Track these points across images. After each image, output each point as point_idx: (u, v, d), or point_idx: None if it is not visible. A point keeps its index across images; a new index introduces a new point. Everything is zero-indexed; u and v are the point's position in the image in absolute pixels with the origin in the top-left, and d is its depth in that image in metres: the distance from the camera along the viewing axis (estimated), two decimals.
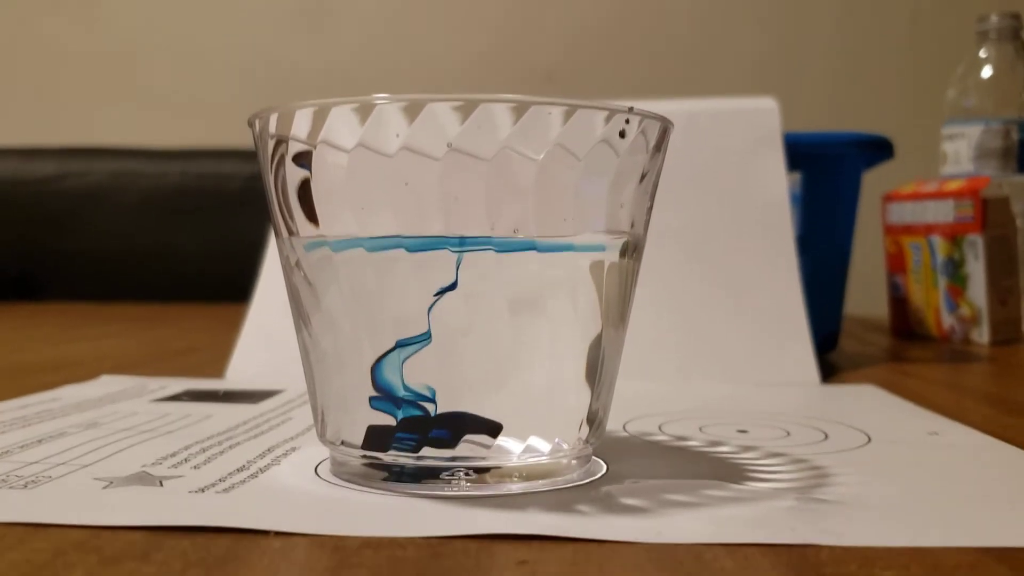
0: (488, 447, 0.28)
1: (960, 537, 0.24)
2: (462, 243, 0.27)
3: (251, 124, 0.29)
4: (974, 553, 0.23)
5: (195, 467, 0.31)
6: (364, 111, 0.26)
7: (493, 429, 0.28)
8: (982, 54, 0.86)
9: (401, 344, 0.27)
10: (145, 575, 0.21)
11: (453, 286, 0.27)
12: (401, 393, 0.27)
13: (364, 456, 0.29)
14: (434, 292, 0.27)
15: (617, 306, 0.30)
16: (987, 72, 0.86)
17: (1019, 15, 0.86)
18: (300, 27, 1.63)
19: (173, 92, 1.64)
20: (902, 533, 0.24)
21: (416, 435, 0.28)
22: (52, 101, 1.65)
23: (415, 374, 0.27)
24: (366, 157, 0.27)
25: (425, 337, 0.27)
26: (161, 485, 0.29)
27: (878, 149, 0.67)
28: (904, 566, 0.22)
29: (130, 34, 1.65)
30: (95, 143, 1.51)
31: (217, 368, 0.55)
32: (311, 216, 0.28)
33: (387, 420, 0.28)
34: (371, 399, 0.28)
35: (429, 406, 0.27)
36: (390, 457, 0.28)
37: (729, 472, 0.31)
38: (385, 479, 0.29)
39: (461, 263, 0.27)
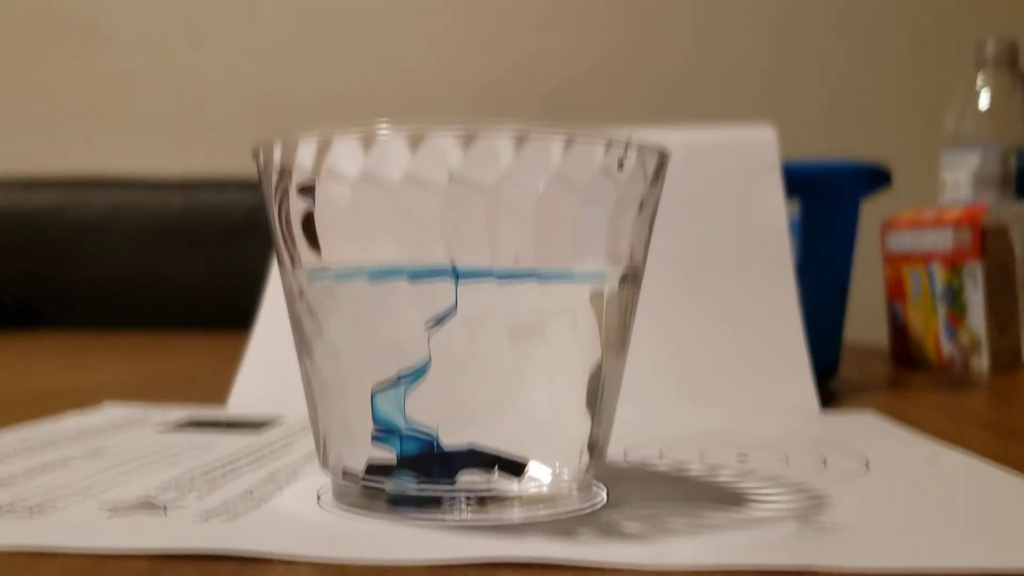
0: (489, 474, 0.28)
1: (957, 561, 0.24)
2: (462, 272, 0.27)
3: (255, 155, 0.30)
4: None
5: (199, 495, 0.31)
6: (367, 142, 0.27)
7: (506, 465, 0.28)
8: (979, 82, 0.87)
9: (403, 377, 0.27)
10: None
11: (452, 311, 0.27)
12: (404, 427, 0.28)
13: (366, 484, 0.29)
14: (435, 319, 0.27)
15: (617, 334, 0.30)
16: (985, 99, 0.86)
17: (1015, 42, 0.86)
18: (302, 57, 1.64)
19: (175, 121, 1.65)
20: (900, 557, 0.25)
21: (418, 473, 0.28)
22: (54, 131, 1.66)
23: (416, 403, 0.28)
24: (369, 187, 0.27)
25: (425, 365, 0.27)
26: (165, 512, 0.29)
27: (877, 177, 0.68)
28: None
29: (132, 64, 1.66)
30: (97, 173, 1.52)
31: (219, 396, 0.55)
32: (314, 245, 0.28)
33: (388, 454, 0.28)
34: (372, 436, 0.28)
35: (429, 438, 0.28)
36: (392, 485, 0.28)
37: (729, 498, 0.31)
38: (387, 507, 0.29)
39: (461, 292, 0.27)
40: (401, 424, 0.28)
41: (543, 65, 1.61)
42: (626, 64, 1.61)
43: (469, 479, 0.28)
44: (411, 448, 0.28)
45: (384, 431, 0.28)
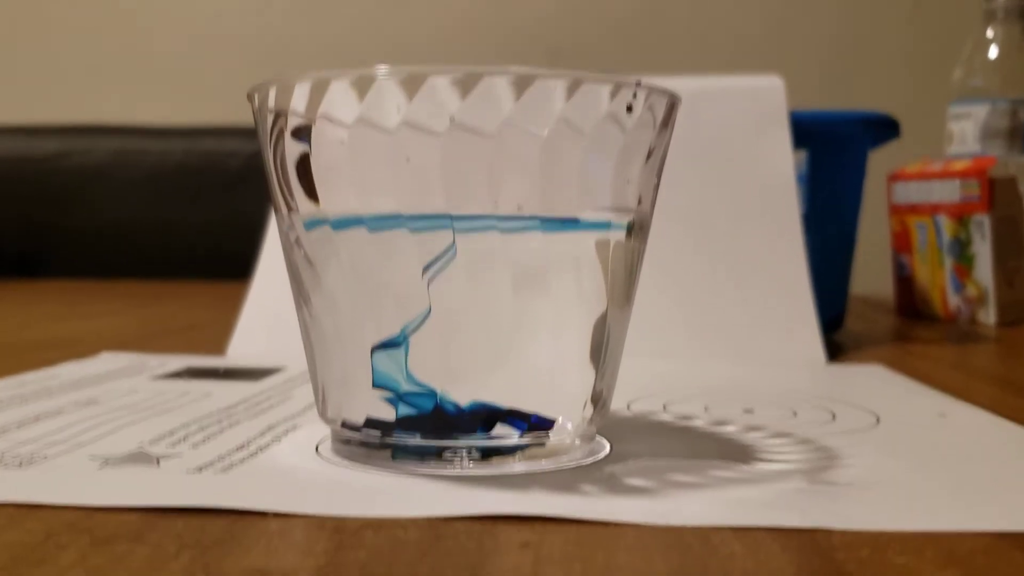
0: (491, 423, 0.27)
1: (975, 521, 0.24)
2: (464, 221, 0.26)
3: (250, 98, 0.29)
4: (989, 538, 0.23)
5: (193, 446, 0.31)
6: (364, 84, 0.26)
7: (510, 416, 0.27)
8: (989, 33, 0.85)
9: (403, 333, 0.27)
10: (138, 556, 0.21)
11: (451, 253, 0.26)
12: (404, 387, 0.27)
13: (365, 436, 0.28)
14: (433, 263, 0.26)
15: (622, 285, 0.29)
16: (994, 52, 0.85)
17: None
18: (303, 3, 1.62)
19: (176, 69, 1.63)
20: (915, 517, 0.24)
21: (417, 431, 0.27)
22: (54, 79, 1.65)
23: (417, 355, 0.27)
24: (366, 132, 0.26)
25: (426, 315, 0.27)
26: (158, 464, 0.28)
27: (884, 128, 0.67)
28: (917, 551, 0.22)
29: (132, 11, 1.64)
30: (97, 121, 1.50)
31: (218, 345, 0.54)
32: (311, 192, 0.28)
33: (387, 413, 0.28)
34: (373, 388, 0.28)
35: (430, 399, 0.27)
36: (392, 438, 0.28)
37: (736, 452, 0.31)
38: (387, 458, 0.28)
39: (463, 241, 0.26)
40: (402, 385, 0.27)
41: (548, 16, 1.59)
42: (629, 12, 1.59)
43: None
44: (411, 408, 0.27)
45: (384, 390, 0.27)
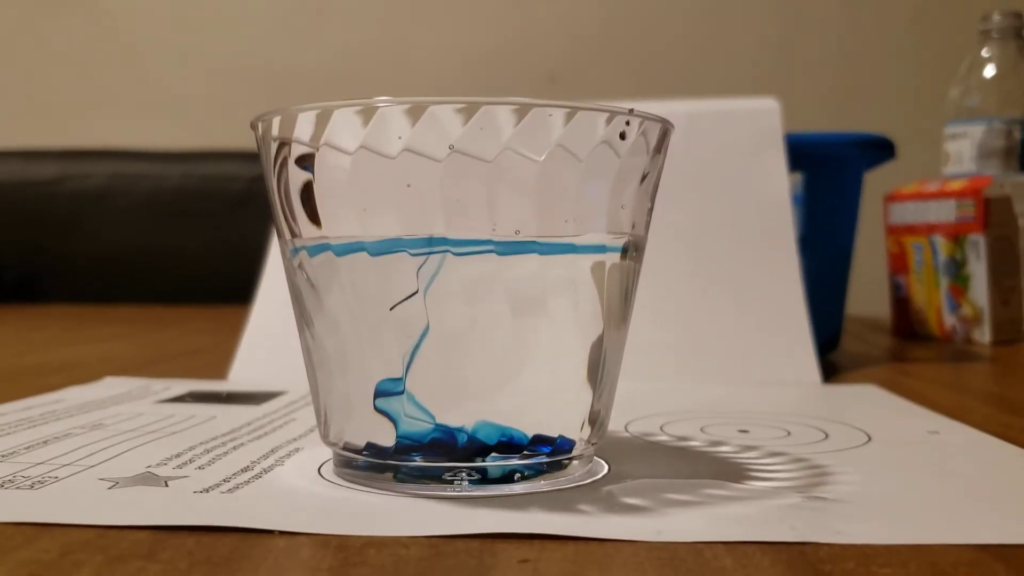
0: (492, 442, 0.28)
1: (958, 535, 0.24)
2: (463, 245, 0.27)
3: (254, 127, 0.29)
4: (972, 551, 0.23)
5: (199, 468, 0.31)
6: (366, 114, 0.27)
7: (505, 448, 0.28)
8: (984, 53, 0.86)
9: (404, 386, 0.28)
10: (151, 574, 0.22)
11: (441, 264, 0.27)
12: (404, 413, 0.28)
13: (367, 457, 0.29)
14: (437, 294, 0.27)
15: (618, 306, 0.30)
16: (990, 71, 0.86)
17: (1021, 14, 0.86)
18: (301, 28, 1.63)
19: (174, 93, 1.64)
20: (901, 531, 0.25)
21: (417, 453, 0.28)
22: (53, 103, 1.66)
23: (417, 377, 0.28)
24: (368, 159, 0.27)
25: (424, 332, 0.27)
26: (166, 485, 0.29)
27: (880, 149, 0.67)
28: (902, 564, 0.22)
29: (131, 35, 1.66)
30: (96, 145, 1.51)
31: (220, 370, 0.55)
32: (313, 218, 0.28)
33: (387, 439, 0.28)
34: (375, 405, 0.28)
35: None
36: (393, 459, 0.28)
37: (730, 472, 0.31)
38: (388, 480, 0.29)
39: (462, 264, 0.27)
40: (402, 414, 0.28)
41: (544, 37, 1.60)
42: (628, 38, 1.60)
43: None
44: (412, 431, 0.28)
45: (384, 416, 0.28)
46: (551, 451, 0.29)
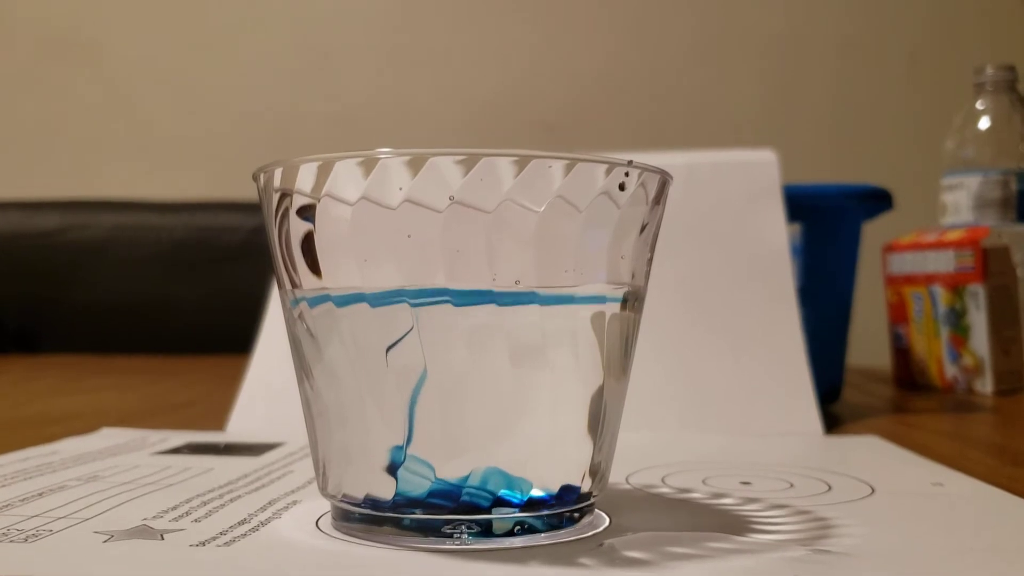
0: (490, 499, 0.28)
1: None
2: (463, 296, 0.27)
3: (256, 178, 0.29)
4: None
5: (196, 520, 0.31)
6: (368, 165, 0.27)
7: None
8: (979, 105, 0.87)
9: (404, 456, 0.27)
10: None
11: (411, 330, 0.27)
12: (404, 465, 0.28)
13: (365, 510, 0.29)
14: (437, 345, 0.27)
15: (619, 357, 0.30)
16: (984, 123, 0.86)
17: (1014, 67, 0.86)
18: (303, 78, 1.64)
19: (176, 144, 1.65)
20: None
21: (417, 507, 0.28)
22: (54, 154, 1.66)
23: (417, 425, 0.27)
24: (369, 210, 0.27)
25: (423, 376, 0.27)
26: (162, 539, 0.29)
27: (878, 200, 0.67)
28: None
29: (133, 86, 1.67)
30: (97, 196, 1.52)
31: (218, 421, 0.54)
32: (314, 268, 0.28)
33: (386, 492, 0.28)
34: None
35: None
36: (392, 512, 0.28)
37: (733, 524, 0.31)
38: (387, 533, 0.28)
39: (462, 315, 0.27)
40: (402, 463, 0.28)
41: (543, 86, 1.61)
42: (626, 89, 1.61)
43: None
44: (411, 485, 0.28)
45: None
46: (553, 503, 0.28)
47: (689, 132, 1.57)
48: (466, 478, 0.27)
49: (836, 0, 1.61)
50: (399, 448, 0.28)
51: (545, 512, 0.29)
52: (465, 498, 0.27)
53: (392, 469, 0.28)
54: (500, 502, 0.28)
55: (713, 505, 0.34)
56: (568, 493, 0.29)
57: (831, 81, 1.60)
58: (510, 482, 0.28)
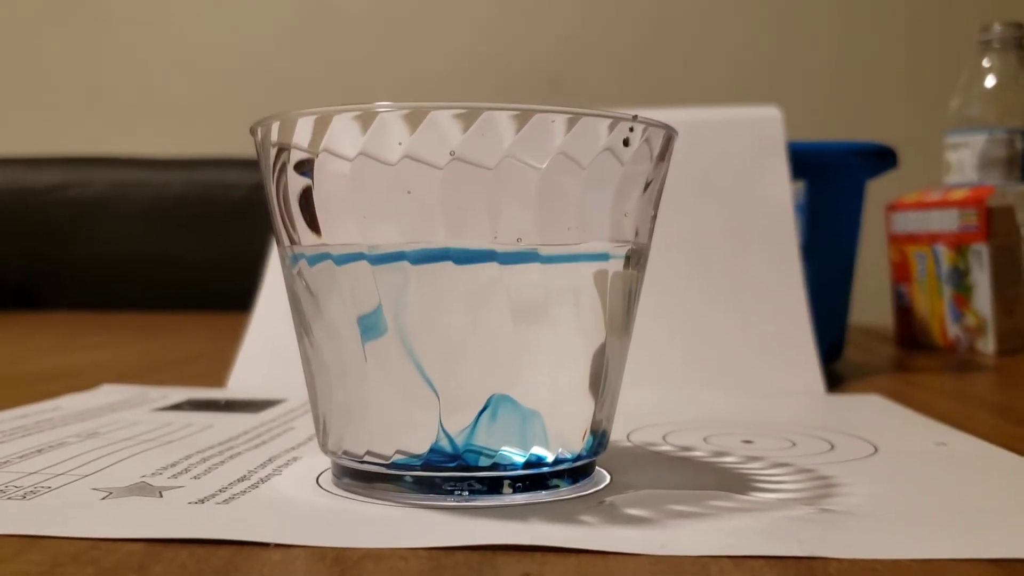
0: (491, 457, 0.27)
1: (970, 549, 0.24)
2: (464, 254, 0.26)
3: (253, 132, 0.29)
4: (983, 565, 0.23)
5: (195, 477, 0.31)
6: (366, 119, 0.26)
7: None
8: (985, 63, 0.86)
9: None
10: None
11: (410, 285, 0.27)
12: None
13: (365, 467, 0.28)
14: (438, 303, 0.27)
15: (621, 315, 0.30)
16: (990, 81, 0.85)
17: (1022, 24, 0.85)
18: (302, 35, 1.63)
19: (177, 100, 1.64)
20: (911, 546, 0.24)
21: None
22: (55, 110, 1.66)
23: (418, 385, 0.27)
24: (368, 165, 0.26)
25: (423, 333, 0.27)
26: (161, 496, 0.29)
27: (882, 158, 0.67)
28: None
29: (134, 42, 1.66)
30: (98, 152, 1.51)
31: (219, 377, 0.54)
32: (313, 225, 0.28)
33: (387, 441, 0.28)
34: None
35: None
36: (392, 469, 0.28)
37: (735, 483, 0.31)
38: (387, 490, 0.28)
39: (463, 272, 0.27)
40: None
41: (550, 48, 1.60)
42: (629, 44, 1.60)
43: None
44: (410, 445, 0.27)
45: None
46: (554, 461, 0.28)
47: (692, 88, 1.56)
48: (470, 431, 0.27)
49: None
50: (400, 405, 0.27)
51: (546, 469, 0.28)
52: (467, 456, 0.27)
53: (392, 426, 0.28)
54: (501, 459, 0.28)
55: (715, 463, 0.34)
56: (569, 450, 0.29)
57: (835, 38, 1.59)
58: (523, 415, 0.27)
